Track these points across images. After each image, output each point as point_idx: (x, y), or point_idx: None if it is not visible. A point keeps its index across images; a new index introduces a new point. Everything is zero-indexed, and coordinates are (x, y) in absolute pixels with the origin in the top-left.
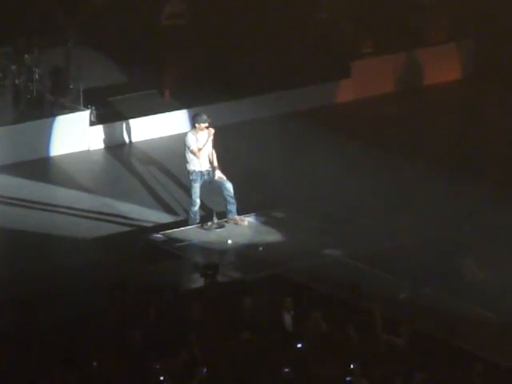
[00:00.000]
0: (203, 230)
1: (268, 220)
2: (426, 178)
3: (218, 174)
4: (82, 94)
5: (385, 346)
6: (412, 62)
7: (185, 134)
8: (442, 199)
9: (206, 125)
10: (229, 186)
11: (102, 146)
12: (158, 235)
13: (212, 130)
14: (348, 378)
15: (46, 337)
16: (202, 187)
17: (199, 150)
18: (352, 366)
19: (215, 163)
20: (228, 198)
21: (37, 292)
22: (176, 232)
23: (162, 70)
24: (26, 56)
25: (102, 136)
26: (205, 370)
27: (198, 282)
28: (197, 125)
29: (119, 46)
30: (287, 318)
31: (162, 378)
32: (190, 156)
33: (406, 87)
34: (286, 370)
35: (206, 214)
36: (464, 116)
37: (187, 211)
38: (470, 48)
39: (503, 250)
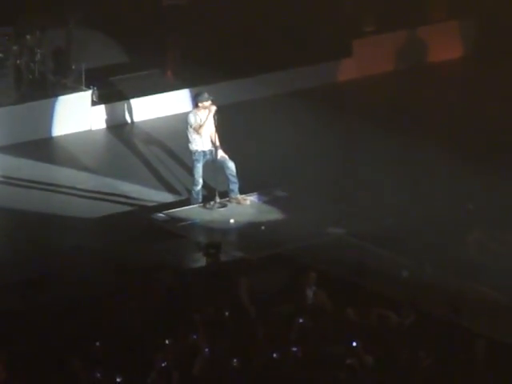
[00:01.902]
0: (205, 210)
1: (270, 199)
2: (428, 155)
3: (221, 154)
4: (83, 74)
5: (378, 320)
6: (414, 40)
7: (187, 114)
8: (444, 176)
9: (209, 103)
10: (231, 165)
11: (104, 126)
12: (161, 215)
13: (214, 107)
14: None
15: (48, 317)
16: (205, 167)
17: (200, 126)
18: (354, 344)
19: (217, 143)
20: (230, 178)
21: (38, 272)
22: (178, 211)
23: (164, 49)
24: (28, 37)
25: (104, 116)
26: (207, 350)
27: (201, 261)
28: (199, 104)
29: (121, 26)
30: (309, 293)
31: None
32: (192, 136)
33: (407, 65)
34: (295, 349)
35: (209, 194)
36: (466, 93)
37: (189, 191)
38: (471, 26)
39: (507, 228)
